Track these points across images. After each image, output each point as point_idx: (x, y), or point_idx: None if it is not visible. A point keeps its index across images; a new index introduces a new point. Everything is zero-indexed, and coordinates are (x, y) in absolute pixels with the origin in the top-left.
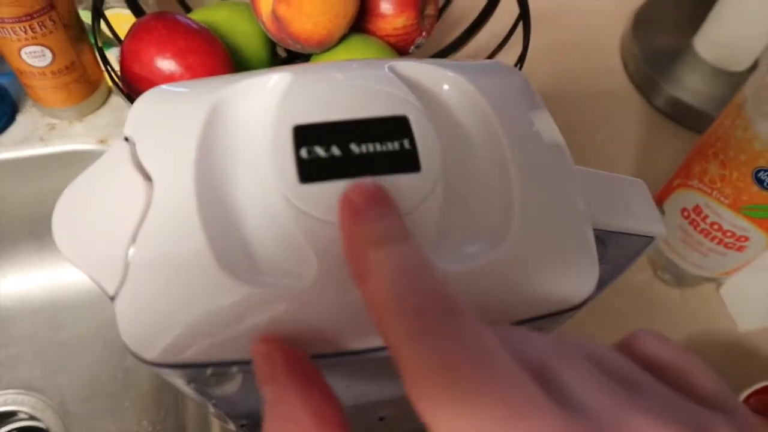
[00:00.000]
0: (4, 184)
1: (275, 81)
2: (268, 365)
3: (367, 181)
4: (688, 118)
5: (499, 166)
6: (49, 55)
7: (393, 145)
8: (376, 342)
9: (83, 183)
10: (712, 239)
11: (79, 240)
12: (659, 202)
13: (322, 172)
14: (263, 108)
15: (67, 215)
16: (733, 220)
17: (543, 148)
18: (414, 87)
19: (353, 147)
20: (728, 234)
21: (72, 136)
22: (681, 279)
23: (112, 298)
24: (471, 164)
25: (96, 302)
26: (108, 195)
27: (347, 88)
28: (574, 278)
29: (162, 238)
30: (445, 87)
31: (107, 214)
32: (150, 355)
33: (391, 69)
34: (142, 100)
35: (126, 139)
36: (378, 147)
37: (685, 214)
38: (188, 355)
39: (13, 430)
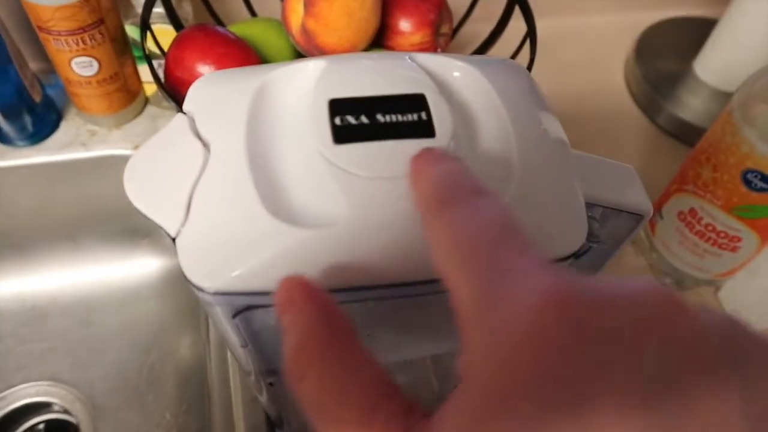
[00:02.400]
0: (46, 186)
1: (313, 66)
2: (288, 293)
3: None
4: (687, 135)
5: (502, 139)
6: (96, 65)
7: (412, 116)
8: (401, 277)
9: (150, 148)
10: (707, 240)
11: (147, 192)
12: (658, 207)
13: (353, 135)
14: (303, 86)
15: (137, 172)
16: (726, 221)
17: (542, 130)
18: (430, 73)
19: (379, 117)
20: (722, 235)
21: (111, 142)
22: (681, 283)
23: (174, 239)
24: (477, 136)
25: (124, 302)
26: (171, 157)
27: (374, 70)
28: (566, 232)
29: (217, 190)
30: (456, 74)
31: (170, 171)
32: (209, 284)
33: (411, 58)
34: (199, 83)
35: (184, 113)
36: (399, 117)
37: (682, 217)
38: (239, 285)
39: (43, 421)
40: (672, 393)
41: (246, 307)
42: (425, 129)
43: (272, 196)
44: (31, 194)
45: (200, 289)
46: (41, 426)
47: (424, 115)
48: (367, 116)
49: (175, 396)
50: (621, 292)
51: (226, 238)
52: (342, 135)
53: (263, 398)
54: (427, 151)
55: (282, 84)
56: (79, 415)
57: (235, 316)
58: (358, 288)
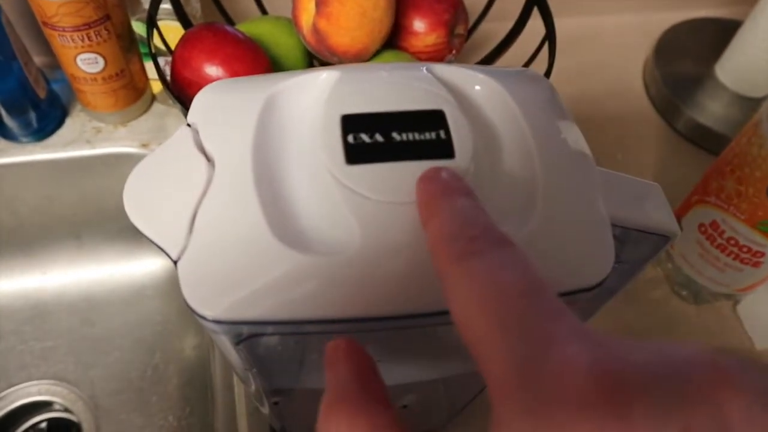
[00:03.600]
0: (51, 184)
1: (324, 77)
2: (333, 352)
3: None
4: (707, 141)
5: (524, 159)
6: (101, 62)
7: (430, 135)
8: (413, 309)
9: (150, 163)
10: (729, 254)
11: (147, 210)
12: (678, 217)
13: (367, 156)
14: (314, 99)
15: (137, 189)
16: (749, 236)
17: (565, 146)
18: (448, 86)
19: (395, 135)
20: (744, 249)
21: (116, 140)
22: (698, 295)
23: (175, 262)
24: (499, 155)
25: (128, 301)
26: (173, 173)
27: (390, 84)
28: (592, 260)
29: (222, 210)
30: (477, 88)
31: (172, 189)
32: (210, 313)
33: (429, 70)
34: (204, 93)
35: (188, 125)
36: (417, 136)
37: (703, 229)
38: (243, 314)
39: (45, 420)
40: None
41: (251, 335)
42: (444, 149)
43: (279, 219)
44: (35, 191)
45: (202, 317)
46: (43, 425)
47: (442, 134)
48: (382, 134)
49: (178, 398)
50: (665, 363)
51: (231, 264)
52: (355, 155)
53: (265, 410)
54: (435, 173)
55: (292, 95)
56: (81, 414)
57: (239, 343)
58: (369, 319)
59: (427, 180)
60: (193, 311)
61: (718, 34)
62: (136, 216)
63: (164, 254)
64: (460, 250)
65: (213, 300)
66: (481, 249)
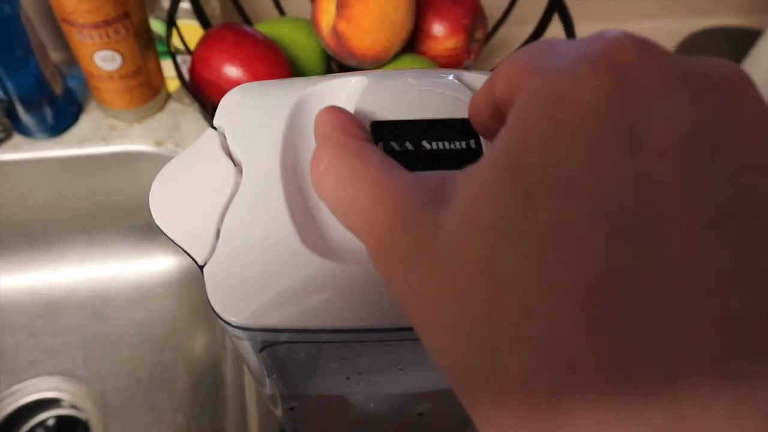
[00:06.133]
0: (64, 180)
1: (354, 83)
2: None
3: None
4: None
5: None
6: (118, 59)
7: (460, 144)
8: None
9: (176, 166)
10: None
11: (173, 215)
12: None
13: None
14: (343, 105)
15: (162, 193)
16: None
17: None
18: None
19: (425, 144)
20: None
21: (131, 137)
22: None
23: (201, 267)
24: None
25: (139, 298)
26: (199, 177)
27: (418, 91)
28: None
29: (250, 216)
30: None
31: (198, 193)
32: (236, 319)
33: (457, 77)
34: (231, 95)
35: (215, 128)
36: (447, 145)
37: None
38: (269, 321)
39: (53, 416)
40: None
41: (275, 342)
42: (475, 159)
43: (308, 226)
44: (48, 187)
45: (228, 323)
46: (51, 422)
47: (473, 143)
48: (412, 143)
49: (187, 398)
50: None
51: (258, 270)
52: None
53: (278, 413)
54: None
55: (321, 100)
56: (89, 411)
57: (262, 350)
58: (392, 329)
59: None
60: (218, 317)
61: (739, 42)
62: (162, 219)
63: (190, 258)
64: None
65: (239, 306)
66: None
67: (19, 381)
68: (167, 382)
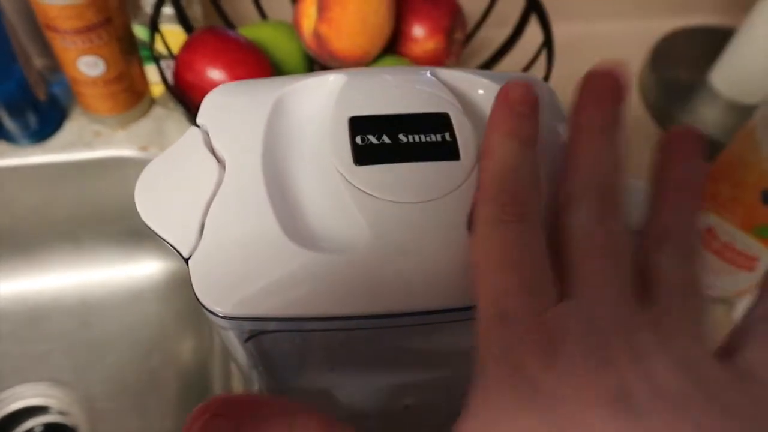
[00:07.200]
0: (49, 186)
1: (332, 80)
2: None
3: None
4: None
5: None
6: (102, 65)
7: (436, 137)
8: (420, 306)
9: (160, 163)
10: (726, 259)
11: (158, 210)
12: None
13: (374, 157)
14: (322, 102)
15: (148, 189)
16: (745, 241)
17: (563, 147)
18: (452, 90)
19: (401, 137)
20: (740, 254)
21: (115, 143)
22: None
23: (186, 260)
24: None
25: (126, 304)
26: (183, 173)
27: (395, 87)
28: None
29: (233, 210)
30: (480, 92)
31: (183, 189)
32: (221, 309)
33: (433, 74)
34: (213, 94)
35: (198, 126)
36: (423, 138)
37: None
38: (252, 310)
39: (41, 424)
40: None
41: (260, 331)
42: (449, 151)
43: (289, 218)
44: (33, 194)
45: (213, 313)
46: (39, 429)
47: (448, 136)
48: (389, 136)
49: (176, 403)
50: None
51: (242, 262)
52: (363, 156)
53: None
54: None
55: (300, 98)
56: (77, 418)
57: (248, 340)
58: (378, 316)
59: (504, 101)
60: (204, 308)
61: (713, 41)
62: (147, 214)
63: (175, 252)
64: (489, 212)
65: (224, 297)
66: (506, 219)
67: (7, 388)
68: (156, 388)
